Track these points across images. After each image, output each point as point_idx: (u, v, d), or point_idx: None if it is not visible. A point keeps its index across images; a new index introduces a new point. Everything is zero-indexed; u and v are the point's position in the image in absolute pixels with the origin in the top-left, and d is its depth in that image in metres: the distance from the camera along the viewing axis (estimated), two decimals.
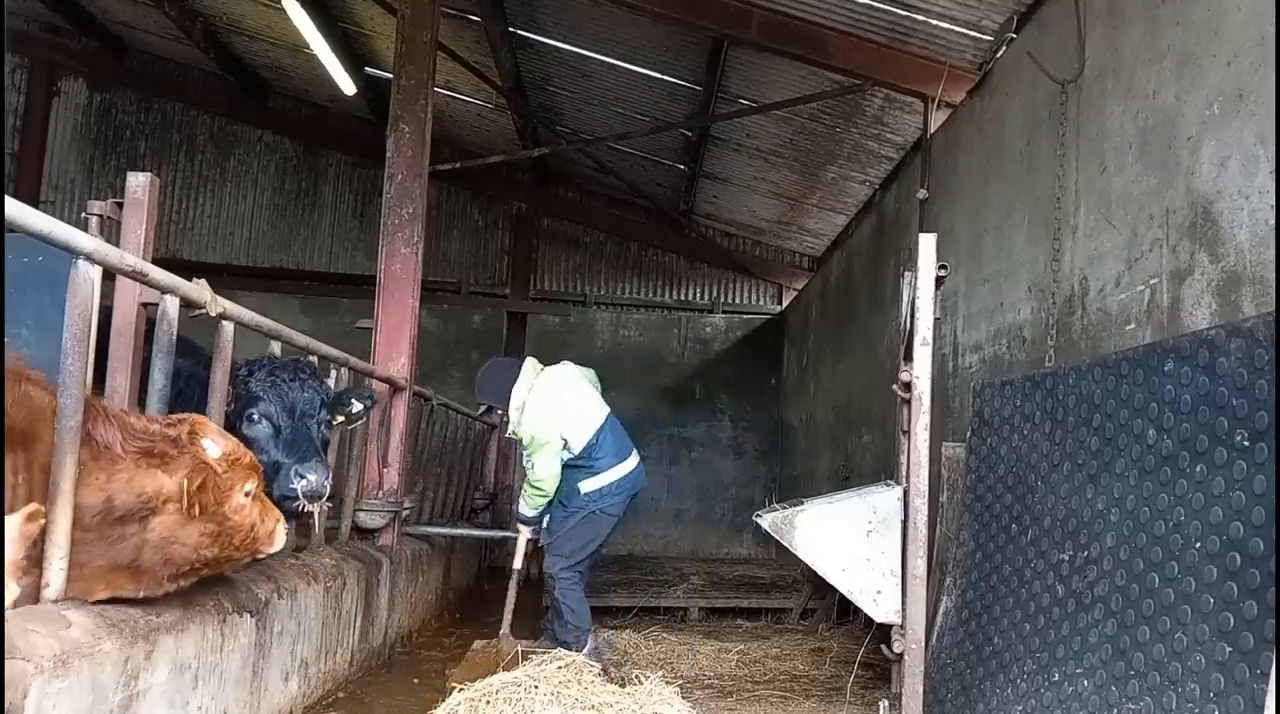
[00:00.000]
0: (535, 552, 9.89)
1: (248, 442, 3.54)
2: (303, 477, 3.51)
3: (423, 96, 6.15)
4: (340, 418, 4.08)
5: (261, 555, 2.98)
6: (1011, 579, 3.71)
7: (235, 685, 3.34)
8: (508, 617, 5.46)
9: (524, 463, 5.55)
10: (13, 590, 2.31)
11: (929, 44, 6.41)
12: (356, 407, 4.12)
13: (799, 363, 12.12)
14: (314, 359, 4.24)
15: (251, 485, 2.83)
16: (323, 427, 3.83)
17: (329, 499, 3.68)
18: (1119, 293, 4.16)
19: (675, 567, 9.82)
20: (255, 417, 3.66)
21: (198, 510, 2.64)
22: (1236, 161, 3.40)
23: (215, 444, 2.76)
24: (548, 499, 5.45)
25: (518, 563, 5.75)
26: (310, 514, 3.68)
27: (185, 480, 2.61)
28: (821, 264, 11.68)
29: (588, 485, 5.35)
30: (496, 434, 10.62)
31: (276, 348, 4.13)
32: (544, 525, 5.56)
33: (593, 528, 5.37)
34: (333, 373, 4.66)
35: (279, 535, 2.96)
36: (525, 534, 5.71)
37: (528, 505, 5.54)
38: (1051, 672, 3.27)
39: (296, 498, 3.51)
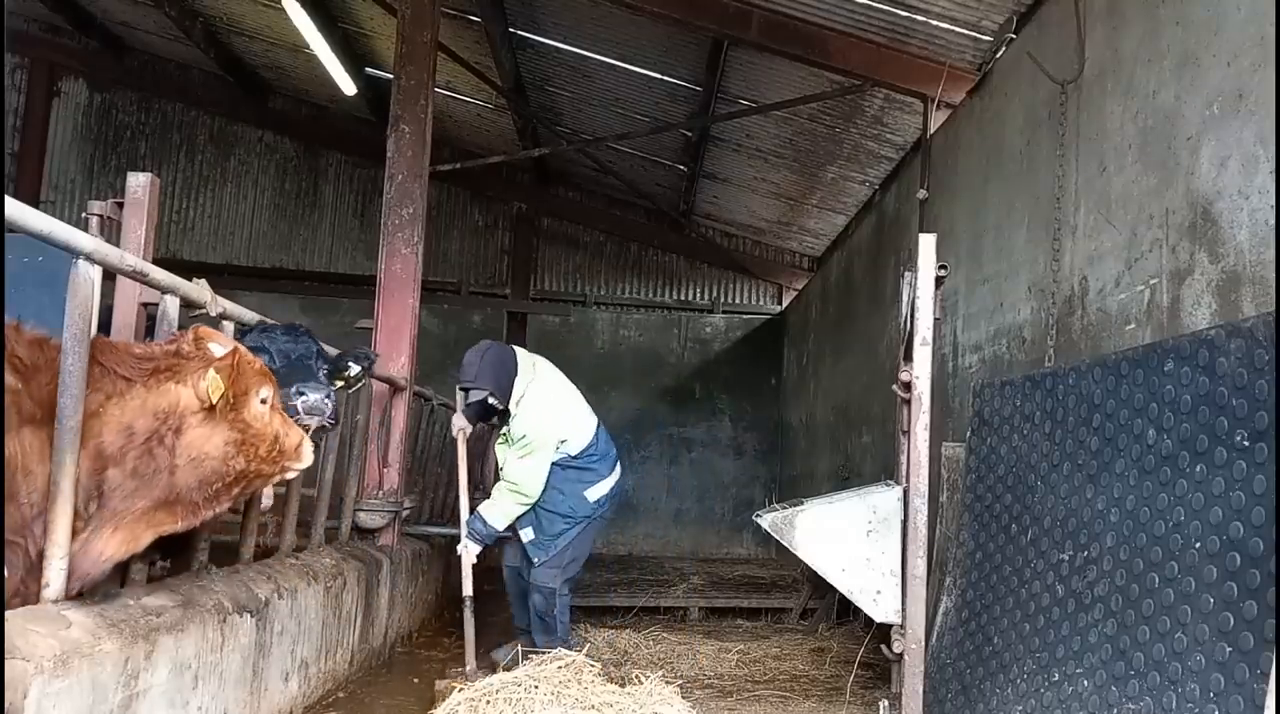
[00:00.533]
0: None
1: None
2: (302, 394, 3.44)
3: (423, 97, 6.15)
4: (339, 382, 3.99)
5: (291, 472, 2.96)
6: (1011, 579, 3.70)
7: (235, 685, 3.34)
8: (471, 651, 4.86)
9: (504, 465, 5.04)
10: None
11: (929, 44, 6.41)
12: (354, 368, 3.97)
13: (799, 363, 12.12)
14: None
15: (267, 392, 2.81)
16: (322, 374, 3.70)
17: (333, 422, 3.60)
18: (1119, 293, 4.16)
19: (675, 567, 9.82)
20: None
21: (229, 401, 2.61)
22: (1236, 161, 3.40)
23: (223, 346, 2.76)
24: (527, 509, 4.95)
25: (469, 589, 5.02)
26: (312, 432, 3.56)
27: (207, 377, 2.57)
28: (821, 264, 11.68)
29: (594, 492, 5.03)
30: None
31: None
32: (530, 539, 5.05)
33: (591, 534, 5.14)
34: None
35: (306, 450, 2.95)
36: (473, 554, 5.05)
37: (501, 515, 4.94)
38: (1051, 672, 3.27)
39: (297, 414, 3.42)
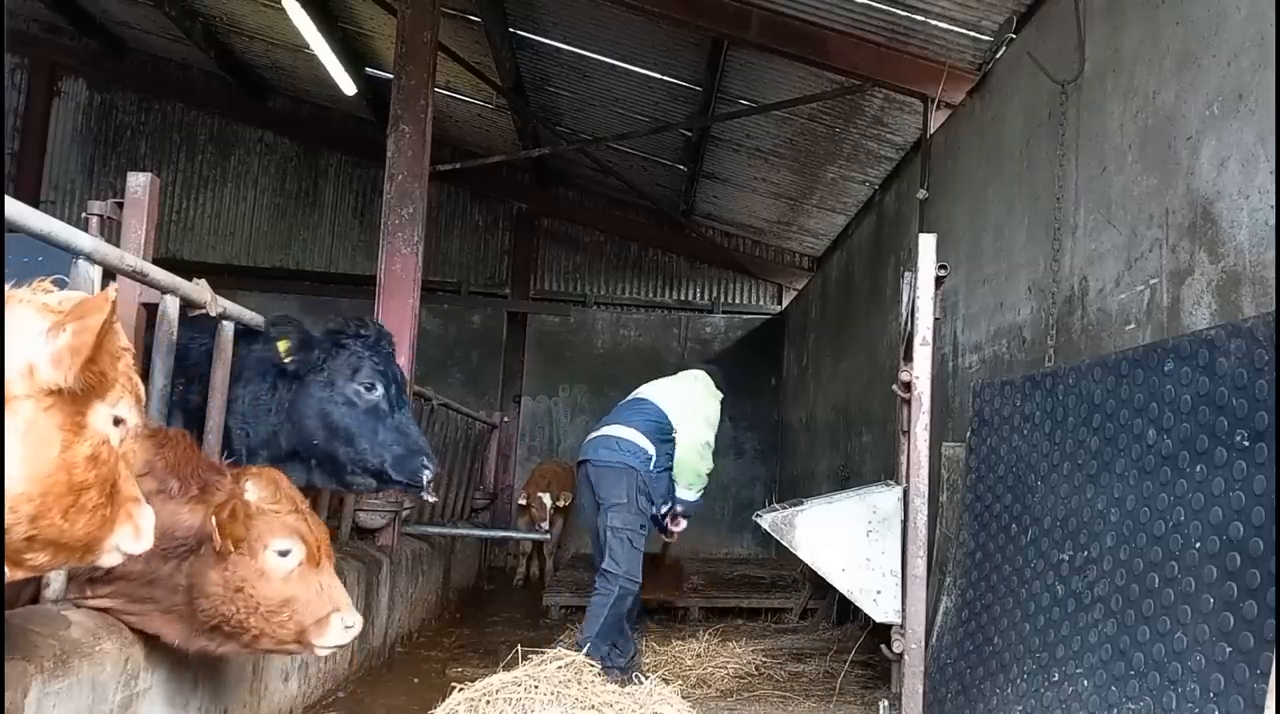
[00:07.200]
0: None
1: (356, 403, 3.55)
2: (427, 468, 3.62)
3: (423, 97, 6.15)
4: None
5: (317, 649, 2.60)
6: (1011, 579, 3.70)
7: (235, 685, 3.34)
8: None
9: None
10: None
11: (929, 44, 6.41)
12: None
13: (799, 363, 12.12)
14: None
15: (288, 546, 2.51)
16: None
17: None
18: (1119, 293, 4.16)
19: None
20: (375, 386, 3.62)
21: (234, 546, 2.42)
22: (1236, 161, 3.40)
23: (260, 489, 2.58)
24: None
25: None
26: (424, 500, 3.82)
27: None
28: (821, 264, 11.67)
29: None
30: (496, 434, 10.63)
31: None
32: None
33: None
34: None
35: (332, 630, 2.55)
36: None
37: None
38: (1051, 672, 3.27)
39: (423, 487, 3.65)
